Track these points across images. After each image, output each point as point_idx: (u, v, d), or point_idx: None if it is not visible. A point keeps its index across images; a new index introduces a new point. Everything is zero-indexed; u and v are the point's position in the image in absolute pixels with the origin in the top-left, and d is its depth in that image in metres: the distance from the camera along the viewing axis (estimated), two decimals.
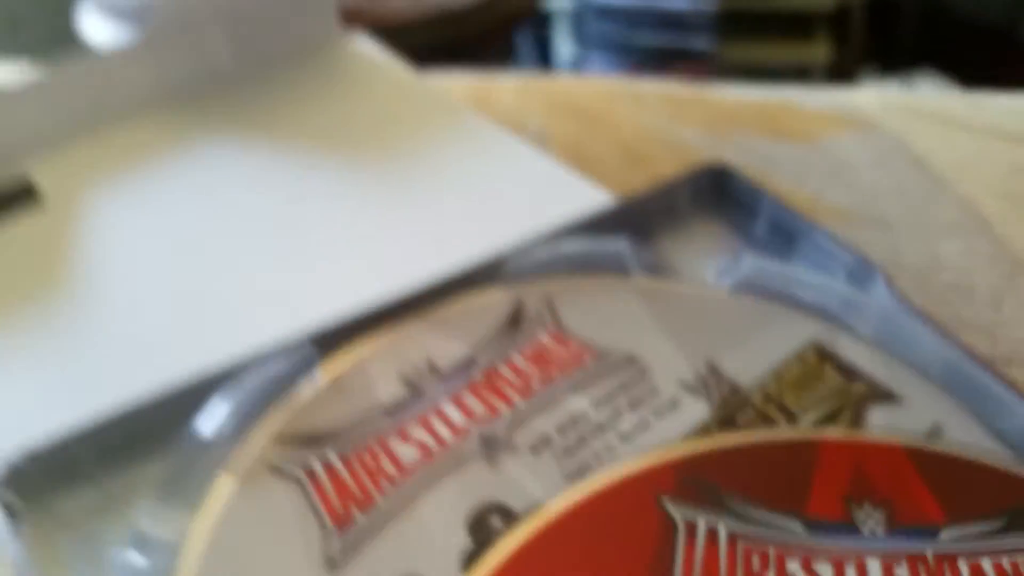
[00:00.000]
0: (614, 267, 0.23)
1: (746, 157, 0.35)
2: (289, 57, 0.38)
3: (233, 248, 0.29)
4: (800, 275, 0.24)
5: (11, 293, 0.28)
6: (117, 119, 0.35)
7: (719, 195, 0.28)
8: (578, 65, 1.28)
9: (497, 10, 0.88)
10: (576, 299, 0.22)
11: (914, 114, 0.38)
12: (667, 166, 0.34)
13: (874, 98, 0.40)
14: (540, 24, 1.43)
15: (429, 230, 0.29)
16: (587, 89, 0.40)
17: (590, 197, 0.29)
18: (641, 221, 0.26)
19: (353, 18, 0.92)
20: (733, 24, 1.27)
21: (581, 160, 0.34)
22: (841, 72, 1.29)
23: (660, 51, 1.21)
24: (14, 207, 0.32)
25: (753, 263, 0.23)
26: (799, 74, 1.26)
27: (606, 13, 1.20)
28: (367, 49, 0.40)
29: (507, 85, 0.40)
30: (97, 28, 1.07)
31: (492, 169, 0.31)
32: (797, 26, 1.25)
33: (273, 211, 0.30)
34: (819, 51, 1.24)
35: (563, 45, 1.38)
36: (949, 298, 0.30)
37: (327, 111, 0.35)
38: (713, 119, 0.37)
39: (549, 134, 0.36)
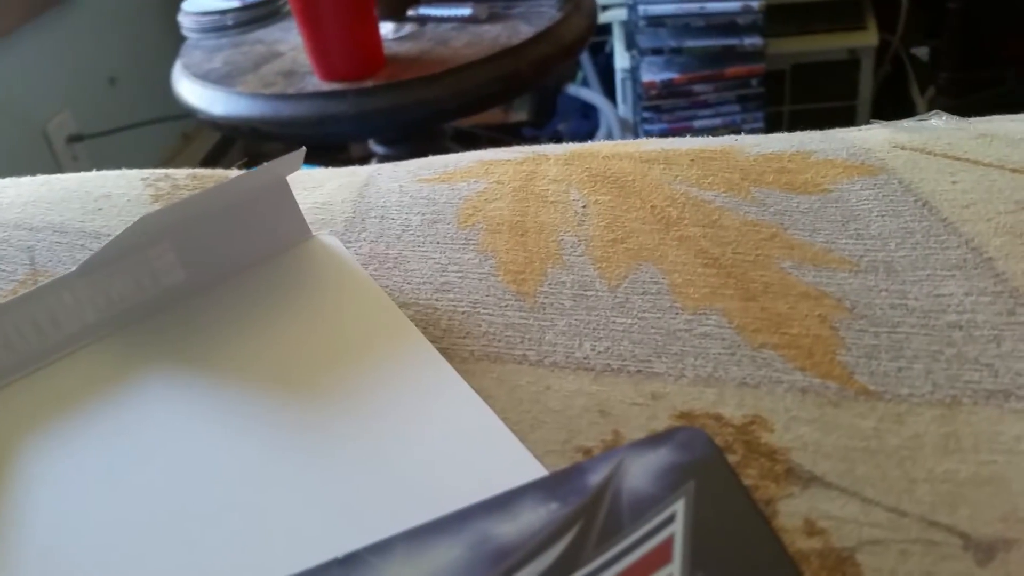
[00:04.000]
0: None
1: (762, 213, 0.39)
2: (247, 266, 0.38)
3: (173, 500, 0.28)
4: None
5: None
6: (62, 352, 0.34)
7: None
8: (634, 74, 1.31)
9: (553, 40, 0.92)
10: None
11: (923, 154, 0.41)
12: (693, 228, 0.38)
13: (884, 139, 0.43)
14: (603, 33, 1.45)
15: (354, 483, 0.28)
16: (625, 156, 0.44)
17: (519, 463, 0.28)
18: None
19: (420, 62, 0.98)
20: (781, 19, 1.28)
21: (617, 228, 0.39)
22: (886, 52, 1.28)
23: (711, 54, 1.22)
24: None
25: None
26: (851, 58, 1.26)
27: (655, 21, 1.22)
28: (327, 250, 0.39)
29: (554, 156, 0.45)
30: (189, 91, 1.16)
31: (428, 414, 0.31)
32: (844, 13, 1.25)
33: (209, 455, 0.30)
34: (869, 36, 1.23)
35: (620, 56, 1.40)
36: (953, 337, 0.32)
37: (277, 333, 0.35)
38: (735, 177, 0.41)
39: (589, 204, 0.40)
